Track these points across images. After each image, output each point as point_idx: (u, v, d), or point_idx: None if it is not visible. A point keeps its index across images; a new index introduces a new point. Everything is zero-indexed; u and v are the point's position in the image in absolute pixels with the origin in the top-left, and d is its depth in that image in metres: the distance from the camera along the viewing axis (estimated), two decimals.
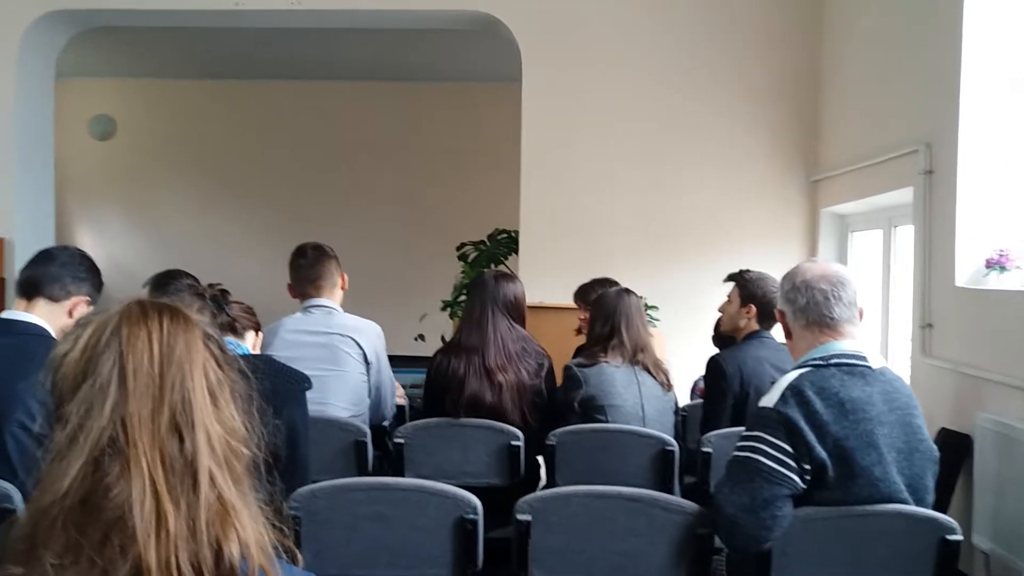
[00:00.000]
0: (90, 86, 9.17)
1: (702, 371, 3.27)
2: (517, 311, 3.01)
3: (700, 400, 3.40)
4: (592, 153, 5.43)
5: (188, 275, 3.06)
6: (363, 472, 2.75)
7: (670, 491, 2.57)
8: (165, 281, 3.00)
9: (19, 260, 5.88)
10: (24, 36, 5.95)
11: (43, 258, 2.30)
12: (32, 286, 2.23)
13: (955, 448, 3.20)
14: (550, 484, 2.74)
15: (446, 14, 5.68)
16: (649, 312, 4.68)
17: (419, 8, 5.60)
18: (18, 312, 2.20)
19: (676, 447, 2.74)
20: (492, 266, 5.89)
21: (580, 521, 1.89)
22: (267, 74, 8.95)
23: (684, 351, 4.60)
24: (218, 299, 2.31)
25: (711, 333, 3.62)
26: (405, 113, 9.09)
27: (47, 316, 2.21)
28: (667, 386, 3.04)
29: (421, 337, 6.72)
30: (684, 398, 3.90)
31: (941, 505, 2.47)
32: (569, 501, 1.92)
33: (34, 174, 6.19)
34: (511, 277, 3.13)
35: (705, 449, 2.72)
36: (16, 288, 2.25)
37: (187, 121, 9.41)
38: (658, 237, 5.39)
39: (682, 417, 3.25)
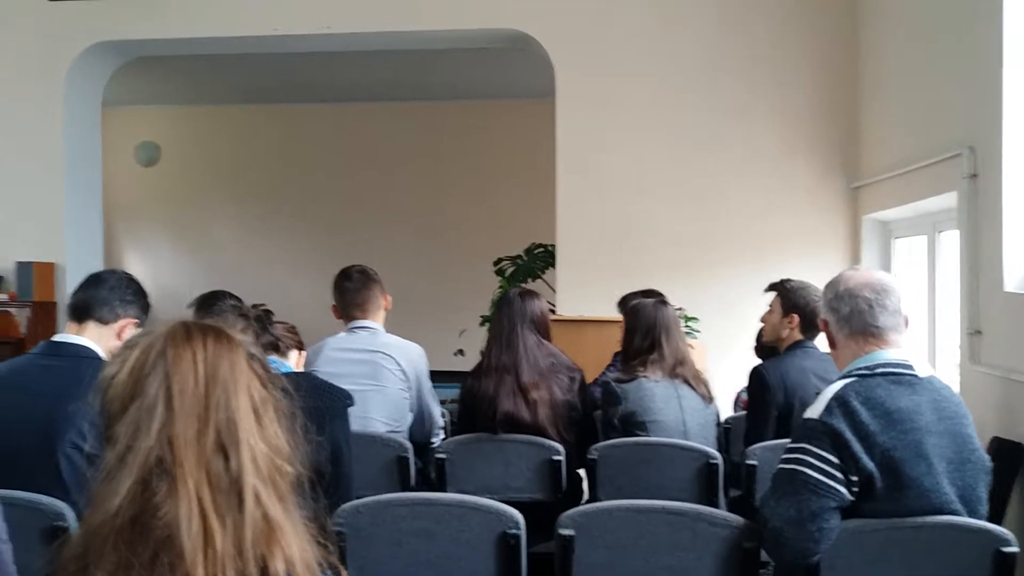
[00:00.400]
0: (135, 114, 9.41)
1: (744, 382, 3.24)
2: (543, 327, 3.03)
3: (744, 412, 3.36)
4: (629, 164, 5.42)
5: (231, 296, 3.12)
6: (405, 487, 2.77)
7: (715, 505, 2.54)
8: (209, 302, 3.07)
9: (70, 284, 6.05)
10: (72, 67, 6.14)
11: (92, 282, 2.35)
12: (82, 309, 2.28)
13: (1008, 457, 3.10)
14: (592, 498, 2.73)
15: (477, 33, 5.73)
16: (689, 324, 4.65)
17: (450, 28, 5.67)
18: (69, 335, 2.25)
19: (720, 460, 2.71)
20: (529, 280, 5.91)
21: (624, 536, 1.87)
22: (303, 98, 9.10)
23: (726, 362, 4.56)
24: (261, 319, 2.35)
25: (753, 344, 3.58)
26: (441, 132, 9.18)
27: (97, 338, 2.26)
28: (708, 398, 3.01)
29: (461, 352, 6.75)
30: (727, 410, 3.85)
31: (995, 516, 2.41)
32: (612, 515, 1.90)
33: (83, 200, 6.36)
34: (535, 294, 3.14)
35: (750, 462, 2.69)
36: (67, 311, 2.30)
37: (229, 146, 9.60)
38: (697, 247, 5.35)
39: (725, 429, 3.21)
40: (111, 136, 7.53)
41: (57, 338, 2.27)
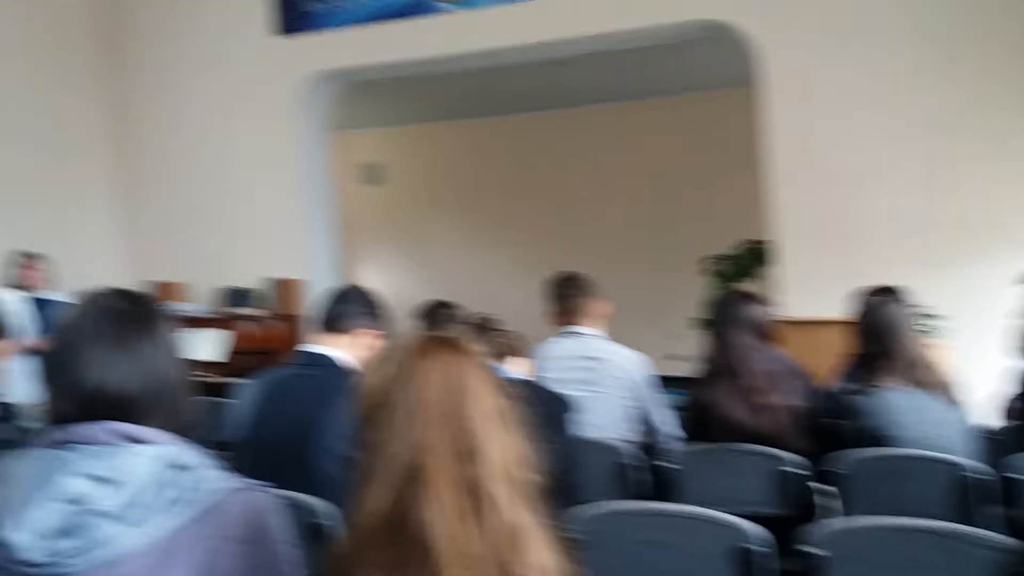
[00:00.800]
0: (360, 137, 10.17)
1: (1001, 384, 2.88)
2: (765, 330, 2.86)
3: (1017, 422, 2.98)
4: (850, 152, 5.04)
5: (452, 305, 3.28)
6: (627, 495, 2.74)
7: (975, 524, 2.29)
8: (430, 311, 3.24)
9: (312, 297, 6.63)
10: (299, 97, 6.69)
11: (337, 297, 2.55)
12: (330, 321, 2.47)
13: None
14: (840, 514, 2.55)
15: (676, 27, 5.58)
16: (932, 321, 4.24)
17: (652, 24, 5.55)
18: (319, 346, 2.46)
19: (980, 473, 2.43)
20: (742, 279, 5.67)
21: (881, 557, 1.72)
22: (510, 109, 9.38)
23: (974, 362, 4.10)
24: (484, 327, 2.43)
25: (1010, 342, 3.18)
26: (640, 130, 9.09)
27: (344, 347, 2.45)
28: (953, 403, 2.72)
29: (673, 356, 6.62)
30: (994, 418, 3.45)
31: None
32: (868, 535, 1.76)
33: (319, 221, 6.94)
34: (753, 296, 2.98)
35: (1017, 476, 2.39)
36: (316, 324, 2.51)
37: (448, 161, 10.13)
38: (933, 238, 4.87)
39: (991, 439, 2.88)
40: (339, 159, 8.16)
41: (309, 348, 2.48)
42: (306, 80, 6.60)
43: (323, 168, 7.02)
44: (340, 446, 2.16)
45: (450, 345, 1.13)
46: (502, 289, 9.08)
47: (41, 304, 4.69)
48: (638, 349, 3.19)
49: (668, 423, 3.15)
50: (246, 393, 2.46)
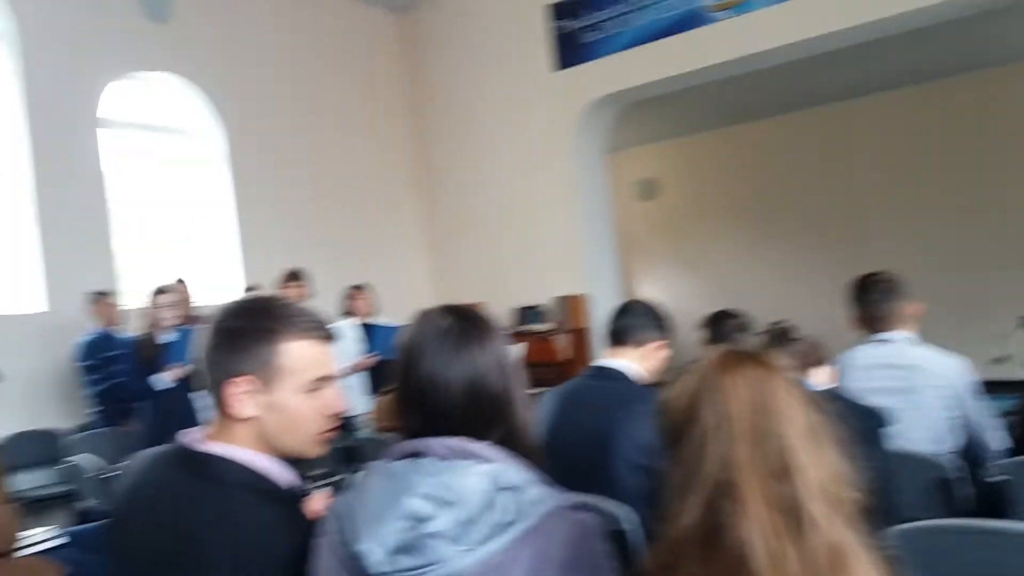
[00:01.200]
0: (633, 154, 10.29)
1: None
2: None
3: None
4: None
5: (737, 314, 3.19)
6: (951, 512, 2.48)
7: None
8: (716, 322, 3.18)
9: (596, 312, 6.82)
10: (579, 119, 6.96)
11: (624, 311, 2.61)
12: (618, 335, 2.54)
13: None
14: None
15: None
16: None
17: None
18: (610, 359, 2.54)
19: None
20: None
21: None
22: (780, 108, 8.95)
23: None
24: (781, 336, 2.34)
25: None
26: (944, 112, 8.20)
27: (633, 359, 2.51)
28: None
29: (1000, 359, 5.88)
30: None
31: None
32: None
33: (599, 238, 7.13)
34: None
35: None
36: (605, 338, 2.60)
37: (720, 168, 9.92)
38: None
39: None
40: (616, 177, 8.33)
41: (600, 362, 2.56)
42: (585, 107, 6.87)
43: (601, 189, 7.23)
44: (636, 455, 2.21)
45: (754, 360, 1.11)
46: (785, 295, 8.69)
47: (367, 329, 5.30)
48: (959, 352, 2.89)
49: (994, 433, 2.80)
50: (542, 404, 2.60)
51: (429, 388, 1.23)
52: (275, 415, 1.33)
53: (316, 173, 7.17)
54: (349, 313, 5.38)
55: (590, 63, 6.78)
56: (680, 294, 9.86)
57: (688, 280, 10.16)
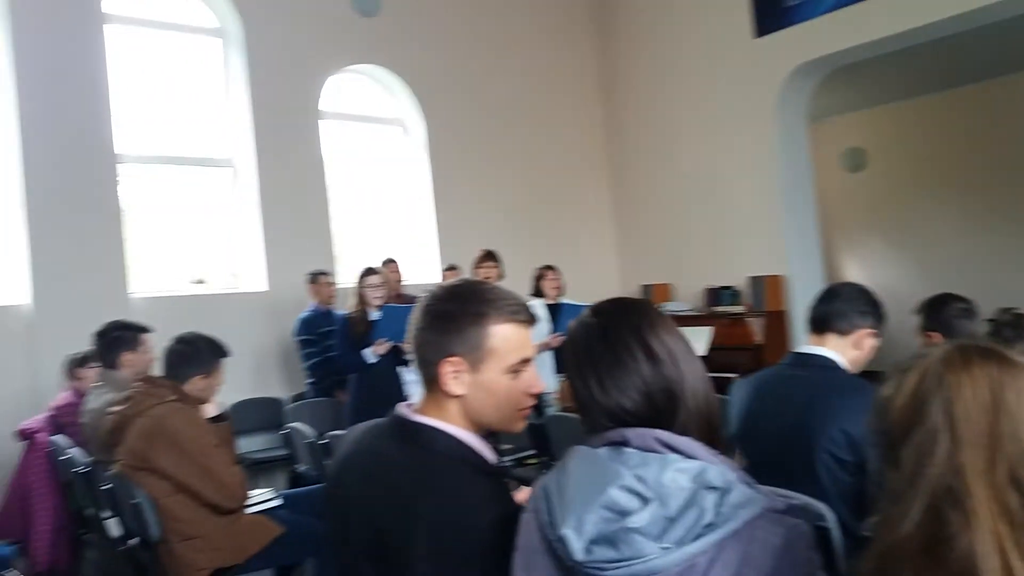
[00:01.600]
0: (838, 123, 9.63)
1: None
2: None
3: None
4: None
5: (962, 299, 2.90)
6: None
7: None
8: (936, 307, 2.91)
9: (796, 294, 6.50)
10: (780, 90, 6.62)
11: (829, 295, 2.45)
12: (821, 321, 2.39)
13: None
14: None
15: None
16: None
17: None
18: (812, 347, 2.40)
19: None
20: None
21: None
22: (1005, 70, 8.00)
23: None
24: (1013, 326, 2.11)
25: None
26: None
27: (837, 349, 2.35)
28: None
29: None
30: None
31: None
32: None
33: (798, 214, 6.76)
34: None
35: None
36: (807, 324, 2.45)
37: (935, 137, 9.06)
38: None
39: None
40: (818, 148, 7.85)
41: (801, 349, 2.43)
42: (787, 74, 6.54)
43: (804, 161, 6.87)
44: (842, 451, 2.09)
45: (988, 354, 1.00)
46: (1013, 277, 7.83)
47: (555, 309, 5.40)
48: None
49: None
50: (736, 392, 2.51)
51: (594, 392, 1.24)
52: (482, 394, 1.40)
53: (507, 156, 7.33)
54: (538, 293, 5.49)
55: (793, 27, 6.43)
56: (888, 275, 9.14)
57: (898, 260, 9.38)
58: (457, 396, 1.40)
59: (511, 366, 1.41)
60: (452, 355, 1.39)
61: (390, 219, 7.06)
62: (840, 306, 2.38)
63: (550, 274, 5.49)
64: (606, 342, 1.25)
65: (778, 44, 6.55)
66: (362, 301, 4.90)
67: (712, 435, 1.22)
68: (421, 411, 1.44)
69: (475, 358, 1.39)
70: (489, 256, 5.45)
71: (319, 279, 5.62)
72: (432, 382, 1.42)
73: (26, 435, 4.12)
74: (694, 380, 1.25)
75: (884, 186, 9.50)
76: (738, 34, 6.80)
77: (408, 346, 1.50)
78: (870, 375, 2.28)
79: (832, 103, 8.65)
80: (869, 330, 2.37)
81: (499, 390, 1.40)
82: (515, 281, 5.42)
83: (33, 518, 3.93)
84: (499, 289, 1.46)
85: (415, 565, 1.29)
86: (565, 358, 1.30)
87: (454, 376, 1.39)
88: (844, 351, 2.35)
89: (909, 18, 5.76)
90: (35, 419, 4.22)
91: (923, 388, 0.99)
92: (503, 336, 1.40)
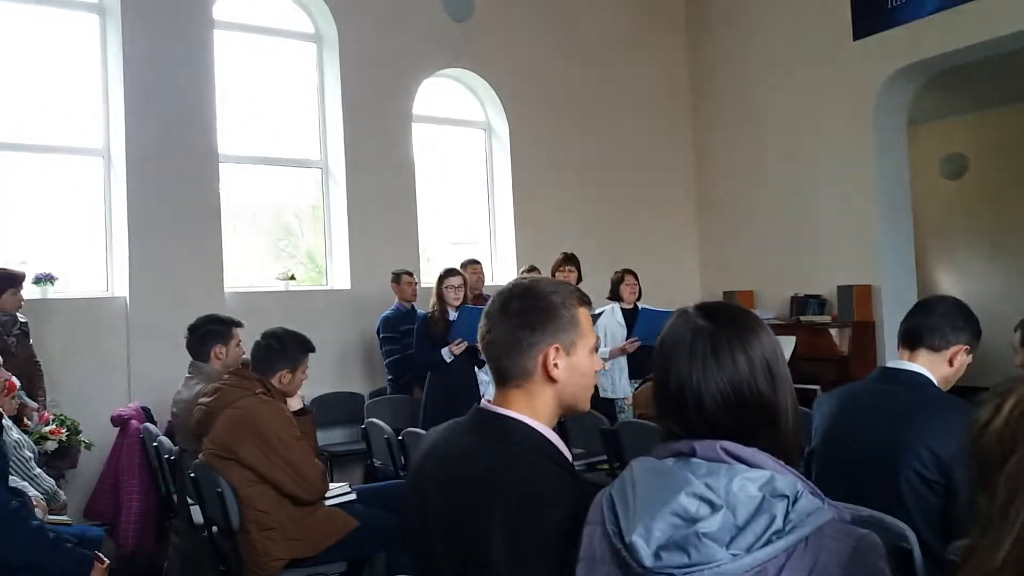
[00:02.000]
0: (939, 128, 9.22)
1: None
2: None
3: None
4: None
5: None
6: None
7: None
8: None
9: (886, 305, 6.27)
10: (878, 95, 6.39)
11: (923, 309, 2.36)
12: (914, 336, 2.30)
13: None
14: None
15: None
16: None
17: None
18: (902, 361, 2.31)
19: None
20: None
21: None
22: None
23: None
24: None
25: None
26: None
27: (928, 365, 2.26)
28: None
29: None
30: None
31: None
32: None
33: (893, 221, 6.52)
34: None
35: None
36: (899, 338, 2.36)
37: None
38: None
39: None
40: (916, 154, 7.54)
41: (891, 364, 2.34)
42: (886, 78, 6.32)
43: (901, 167, 6.63)
44: (929, 471, 2.01)
45: None
46: None
47: (632, 314, 5.36)
48: None
49: None
50: (820, 406, 2.44)
51: (685, 395, 1.21)
52: (575, 376, 1.49)
53: (589, 159, 7.30)
54: (615, 297, 5.46)
55: (894, 29, 6.19)
56: (985, 288, 8.67)
57: (996, 272, 8.89)
58: (555, 382, 1.47)
59: (593, 346, 1.52)
60: (554, 343, 1.46)
61: (472, 221, 7.12)
62: (935, 321, 2.29)
63: (629, 278, 5.44)
64: (707, 341, 1.21)
65: (878, 46, 6.33)
66: (441, 301, 4.97)
67: (794, 455, 1.21)
68: (504, 404, 1.48)
69: (570, 342, 1.48)
70: (569, 259, 5.45)
71: (402, 278, 5.72)
72: (524, 375, 1.47)
73: (119, 421, 4.32)
74: (787, 398, 1.22)
75: (984, 194, 9.04)
76: (837, 35, 6.60)
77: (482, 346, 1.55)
78: (961, 392, 2.18)
79: (932, 107, 8.29)
80: (963, 347, 2.28)
81: (587, 370, 1.51)
82: (593, 285, 5.41)
83: (122, 502, 4.11)
84: (561, 280, 1.53)
85: (491, 552, 1.32)
86: (659, 353, 1.28)
87: (556, 362, 1.46)
88: (936, 367, 2.26)
89: (1013, 21, 5.49)
90: (128, 406, 4.43)
91: (1022, 412, 0.93)
92: (584, 319, 1.51)
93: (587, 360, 1.51)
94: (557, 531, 1.30)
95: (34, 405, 4.21)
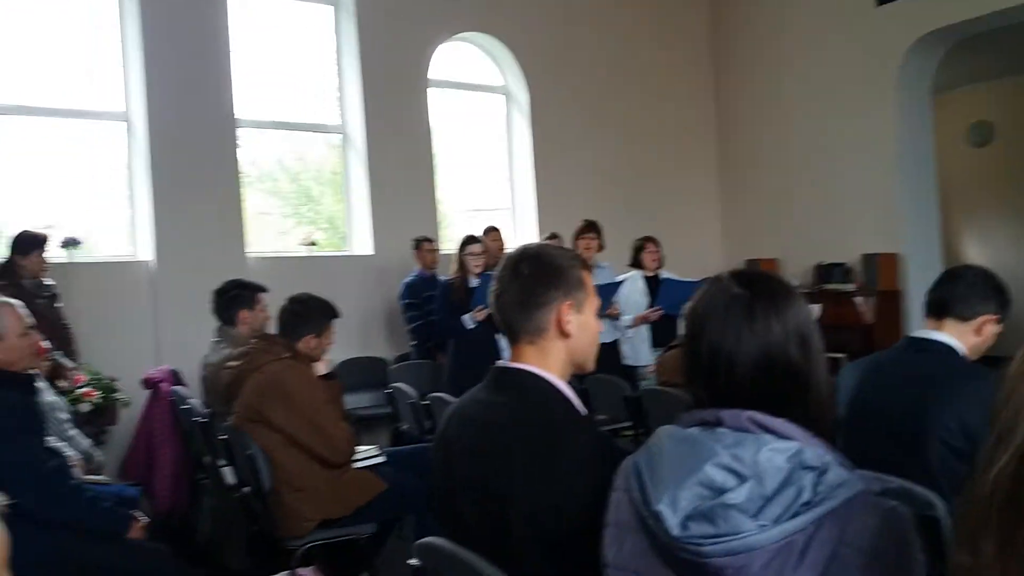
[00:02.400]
0: (964, 96, 9.05)
1: None
2: None
3: None
4: None
5: None
6: None
7: None
8: None
9: (911, 273, 6.22)
10: (902, 61, 6.29)
11: (950, 278, 2.34)
12: (940, 306, 2.29)
13: None
14: None
15: None
16: None
17: None
18: (929, 331, 2.30)
19: None
20: None
21: None
22: None
23: None
24: None
25: None
26: None
27: (956, 335, 2.25)
28: None
29: None
30: None
31: None
32: None
33: (917, 189, 6.45)
34: None
35: None
36: (925, 307, 2.35)
37: None
38: None
39: None
40: (941, 122, 7.42)
41: (918, 334, 2.33)
42: (911, 44, 6.21)
43: (926, 135, 6.54)
44: (958, 440, 2.01)
45: None
46: None
47: (653, 282, 5.33)
48: None
49: None
50: (845, 375, 2.44)
51: (717, 362, 1.20)
52: (584, 333, 1.56)
53: (610, 125, 7.25)
54: (636, 264, 5.44)
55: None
56: (1012, 257, 8.55)
57: (1021, 241, 8.80)
58: (568, 337, 1.53)
59: (599, 305, 1.61)
60: (566, 300, 1.53)
61: (491, 187, 7.11)
62: (962, 290, 2.27)
63: (650, 246, 5.42)
64: (742, 308, 1.19)
65: (902, 12, 6.21)
66: (463, 268, 4.98)
67: (825, 427, 1.19)
68: (519, 361, 1.54)
69: (580, 299, 1.55)
70: (590, 227, 5.43)
71: (423, 245, 5.74)
72: (538, 331, 1.53)
73: (150, 384, 4.39)
74: (820, 369, 1.22)
75: (1011, 162, 8.89)
76: (860, 1, 6.48)
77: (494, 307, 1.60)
78: (991, 362, 2.18)
79: (958, 74, 8.13)
80: (992, 316, 2.26)
81: (593, 327, 1.59)
82: (615, 252, 5.40)
83: (155, 463, 4.20)
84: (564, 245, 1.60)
85: (513, 507, 1.37)
86: (691, 319, 1.26)
87: (568, 319, 1.53)
88: (963, 337, 2.25)
89: None
90: (159, 369, 4.50)
91: None
92: (588, 280, 1.60)
93: (592, 319, 1.59)
94: (576, 470, 1.36)
95: (72, 364, 4.28)
